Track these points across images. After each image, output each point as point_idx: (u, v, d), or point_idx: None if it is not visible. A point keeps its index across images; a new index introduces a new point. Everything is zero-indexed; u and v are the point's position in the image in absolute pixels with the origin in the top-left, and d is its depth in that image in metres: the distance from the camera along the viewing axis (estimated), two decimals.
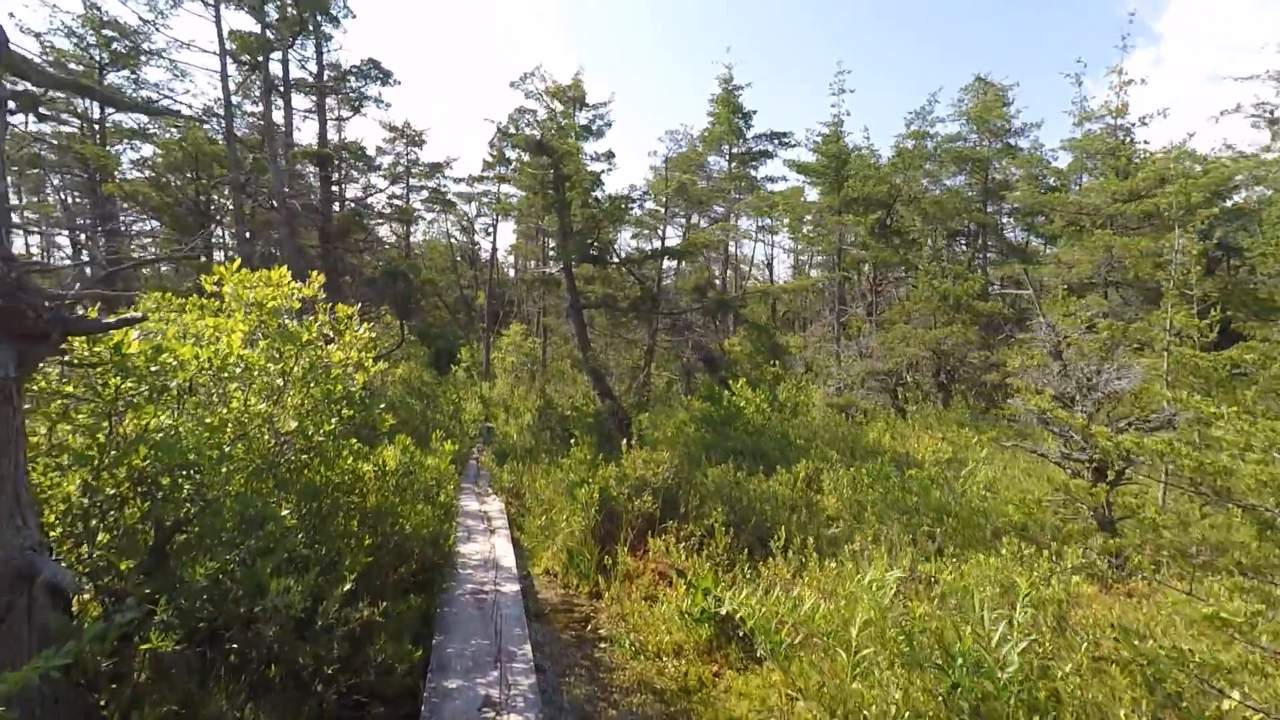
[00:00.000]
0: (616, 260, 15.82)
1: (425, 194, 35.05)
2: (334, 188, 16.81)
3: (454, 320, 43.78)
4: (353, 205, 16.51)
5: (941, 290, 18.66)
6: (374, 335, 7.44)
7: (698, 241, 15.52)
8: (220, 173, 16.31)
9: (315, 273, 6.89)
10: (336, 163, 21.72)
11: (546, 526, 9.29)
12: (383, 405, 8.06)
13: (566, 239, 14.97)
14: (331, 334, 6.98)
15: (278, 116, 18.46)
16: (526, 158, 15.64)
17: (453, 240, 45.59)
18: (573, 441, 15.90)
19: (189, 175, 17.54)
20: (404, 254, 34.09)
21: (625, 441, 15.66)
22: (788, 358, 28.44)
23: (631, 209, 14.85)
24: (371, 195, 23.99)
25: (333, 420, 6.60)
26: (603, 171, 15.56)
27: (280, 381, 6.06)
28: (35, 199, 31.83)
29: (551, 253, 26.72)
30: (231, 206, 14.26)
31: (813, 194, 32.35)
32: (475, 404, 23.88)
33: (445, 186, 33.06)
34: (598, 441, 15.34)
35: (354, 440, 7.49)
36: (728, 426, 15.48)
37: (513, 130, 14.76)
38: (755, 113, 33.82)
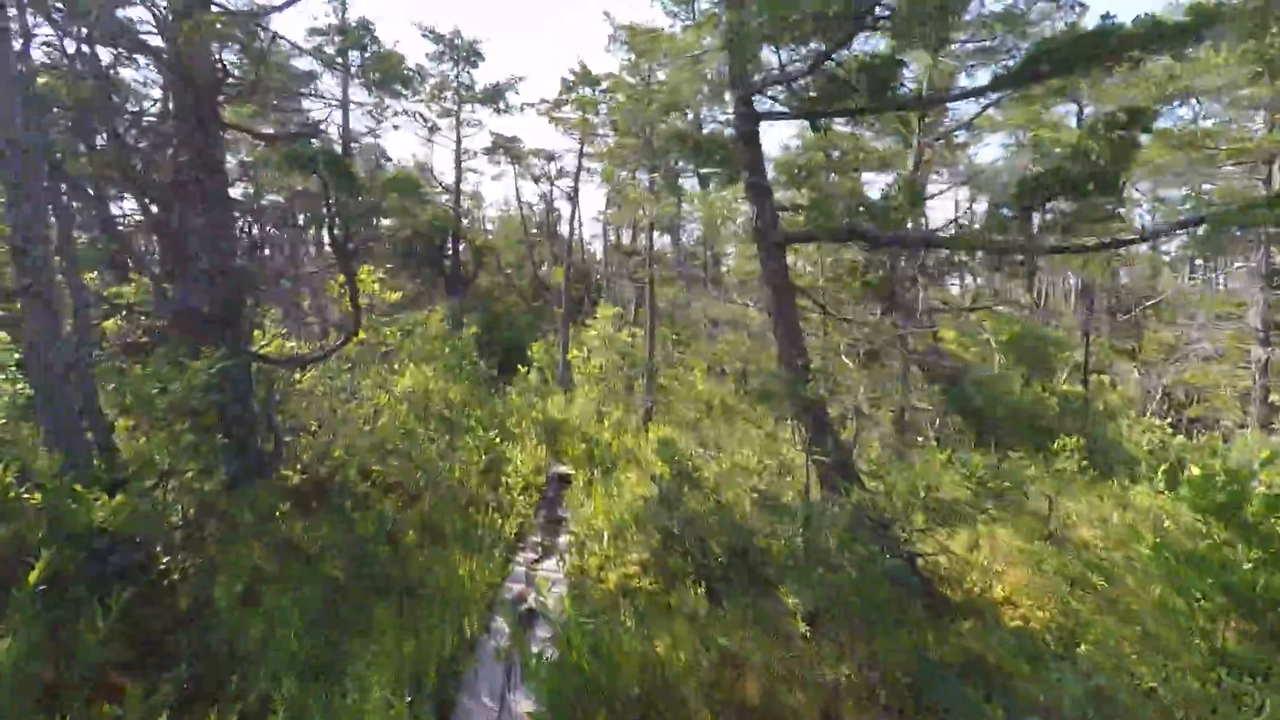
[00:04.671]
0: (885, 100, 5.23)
1: (479, 129, 25.67)
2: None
3: (530, 309, 34.72)
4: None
5: None
6: None
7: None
8: None
9: None
10: None
11: None
12: None
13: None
14: None
15: None
16: None
17: (525, 209, 36.30)
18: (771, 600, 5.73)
19: None
20: (455, 215, 24.89)
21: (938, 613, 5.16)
22: (1059, 368, 16.87)
23: None
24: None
25: None
26: None
27: None
28: None
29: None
30: None
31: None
32: (535, 443, 13.97)
33: (507, 108, 23.49)
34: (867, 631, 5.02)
35: None
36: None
37: None
38: None
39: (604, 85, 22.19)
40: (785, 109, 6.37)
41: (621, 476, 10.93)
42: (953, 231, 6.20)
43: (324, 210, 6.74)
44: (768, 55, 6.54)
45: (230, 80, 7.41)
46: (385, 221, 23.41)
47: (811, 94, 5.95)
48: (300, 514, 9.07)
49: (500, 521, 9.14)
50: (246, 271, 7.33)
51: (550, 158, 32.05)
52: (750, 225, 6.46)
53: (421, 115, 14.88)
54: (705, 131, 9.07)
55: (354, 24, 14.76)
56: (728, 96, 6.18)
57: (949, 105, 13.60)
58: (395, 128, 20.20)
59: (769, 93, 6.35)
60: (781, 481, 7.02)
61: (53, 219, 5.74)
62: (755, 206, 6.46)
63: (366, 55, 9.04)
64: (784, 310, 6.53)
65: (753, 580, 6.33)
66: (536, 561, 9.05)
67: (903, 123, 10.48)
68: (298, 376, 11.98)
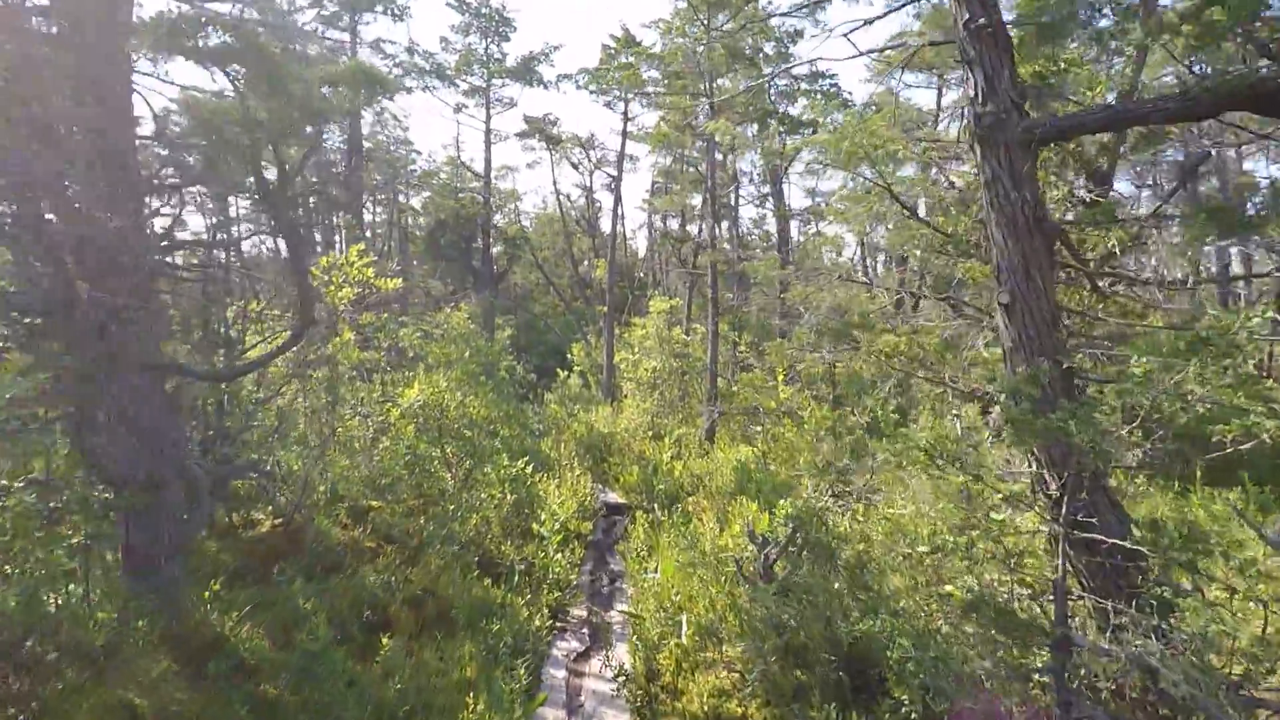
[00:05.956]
0: None
1: (511, 108, 23.29)
2: None
3: (569, 308, 32.23)
4: None
5: None
6: None
7: None
8: None
9: None
10: None
11: None
12: None
13: None
14: None
15: None
16: None
17: (564, 199, 33.81)
18: None
19: None
20: (483, 202, 22.54)
21: None
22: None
23: None
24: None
25: None
26: None
27: None
28: None
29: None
30: None
31: None
32: (578, 472, 11.25)
33: (541, 81, 20.86)
34: None
35: None
36: None
37: None
38: None
39: (654, 36, 19.23)
40: None
41: (695, 522, 8.11)
42: None
43: (240, 130, 4.14)
44: None
45: None
46: (420, 214, 21.26)
47: None
48: (258, 583, 6.55)
49: (526, 605, 6.40)
50: (139, 241, 4.81)
51: (589, 144, 29.44)
52: (971, 111, 3.57)
53: (435, 75, 12.46)
54: None
55: None
56: None
57: None
58: (408, 91, 17.82)
59: None
60: (994, 569, 4.06)
61: None
62: (979, 74, 3.59)
63: None
64: (1032, 272, 3.55)
65: None
66: (581, 656, 6.32)
67: None
68: (280, 391, 9.59)
